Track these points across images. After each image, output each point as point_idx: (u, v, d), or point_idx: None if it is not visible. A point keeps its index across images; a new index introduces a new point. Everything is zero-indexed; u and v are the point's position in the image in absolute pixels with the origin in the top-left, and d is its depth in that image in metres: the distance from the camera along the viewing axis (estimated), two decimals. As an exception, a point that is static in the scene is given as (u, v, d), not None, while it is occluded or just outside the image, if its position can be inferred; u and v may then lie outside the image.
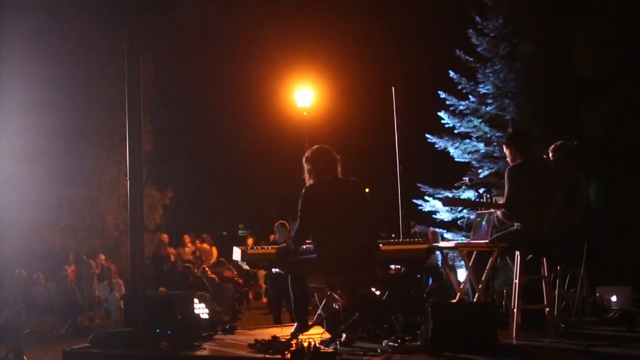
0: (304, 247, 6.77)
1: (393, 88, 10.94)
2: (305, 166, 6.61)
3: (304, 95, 21.35)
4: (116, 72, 21.25)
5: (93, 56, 22.62)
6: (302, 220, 6.44)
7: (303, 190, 6.48)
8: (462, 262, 9.73)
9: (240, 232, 34.78)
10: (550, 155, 7.75)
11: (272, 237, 15.10)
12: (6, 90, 19.88)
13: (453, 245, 7.76)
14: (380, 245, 7.21)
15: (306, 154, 6.67)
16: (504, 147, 7.05)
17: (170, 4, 25.78)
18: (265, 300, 19.30)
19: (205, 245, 20.32)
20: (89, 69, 22.59)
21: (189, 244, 20.38)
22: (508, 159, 6.94)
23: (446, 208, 19.34)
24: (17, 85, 19.95)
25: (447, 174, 19.04)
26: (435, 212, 20.49)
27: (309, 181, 6.57)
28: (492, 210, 7.02)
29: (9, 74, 19.91)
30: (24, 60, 20.44)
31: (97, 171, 22.80)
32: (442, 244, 8.55)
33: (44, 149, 20.77)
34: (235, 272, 18.29)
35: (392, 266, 7.97)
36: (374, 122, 23.41)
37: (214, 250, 20.31)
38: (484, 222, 7.14)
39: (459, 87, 20.21)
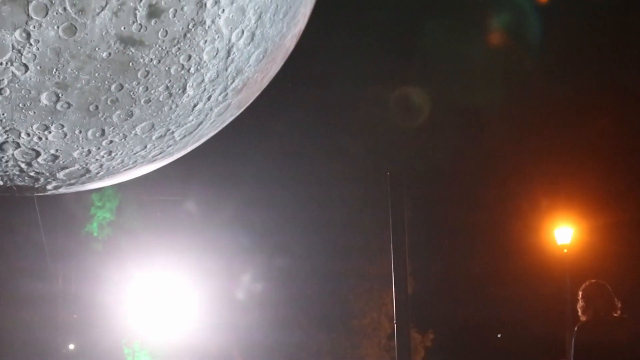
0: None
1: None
2: (580, 301, 6.35)
3: (564, 232, 20.92)
4: (370, 216, 21.78)
5: (350, 200, 23.38)
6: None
7: (576, 328, 6.23)
8: None
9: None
10: None
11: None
12: (266, 234, 20.94)
13: None
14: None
15: (582, 288, 6.41)
16: None
17: (425, 147, 26.35)
18: None
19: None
20: (345, 213, 23.32)
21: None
22: None
23: None
24: (278, 229, 20.99)
25: None
26: None
27: (582, 316, 6.29)
28: None
29: (271, 218, 21.00)
30: (285, 205, 21.52)
31: (358, 314, 23.14)
32: None
33: (304, 292, 21.46)
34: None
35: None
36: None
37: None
38: None
39: None
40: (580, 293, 6.37)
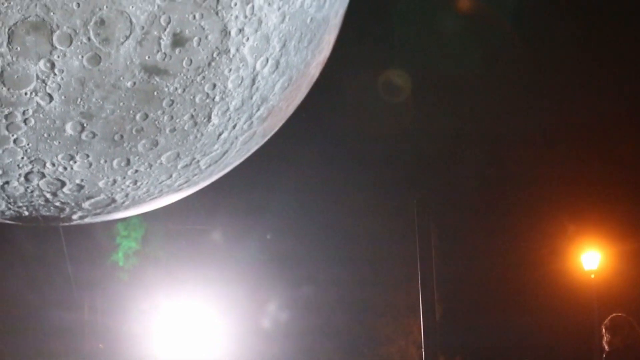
0: None
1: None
2: (606, 335, 6.29)
3: (591, 257, 20.70)
4: (397, 243, 21.66)
5: (377, 227, 23.28)
6: None
7: (604, 355, 6.26)
8: None
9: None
10: None
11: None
12: (292, 263, 20.87)
13: None
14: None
15: (605, 323, 6.36)
16: None
17: (451, 174, 26.26)
18: None
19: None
20: (372, 240, 23.22)
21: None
22: None
23: None
24: (304, 257, 20.93)
25: None
26: None
27: (609, 348, 6.22)
28: None
29: (297, 246, 20.92)
30: (311, 232, 21.45)
31: (385, 342, 22.98)
32: None
33: (330, 320, 21.36)
34: None
35: None
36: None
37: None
38: None
39: None
40: (603, 328, 6.33)
